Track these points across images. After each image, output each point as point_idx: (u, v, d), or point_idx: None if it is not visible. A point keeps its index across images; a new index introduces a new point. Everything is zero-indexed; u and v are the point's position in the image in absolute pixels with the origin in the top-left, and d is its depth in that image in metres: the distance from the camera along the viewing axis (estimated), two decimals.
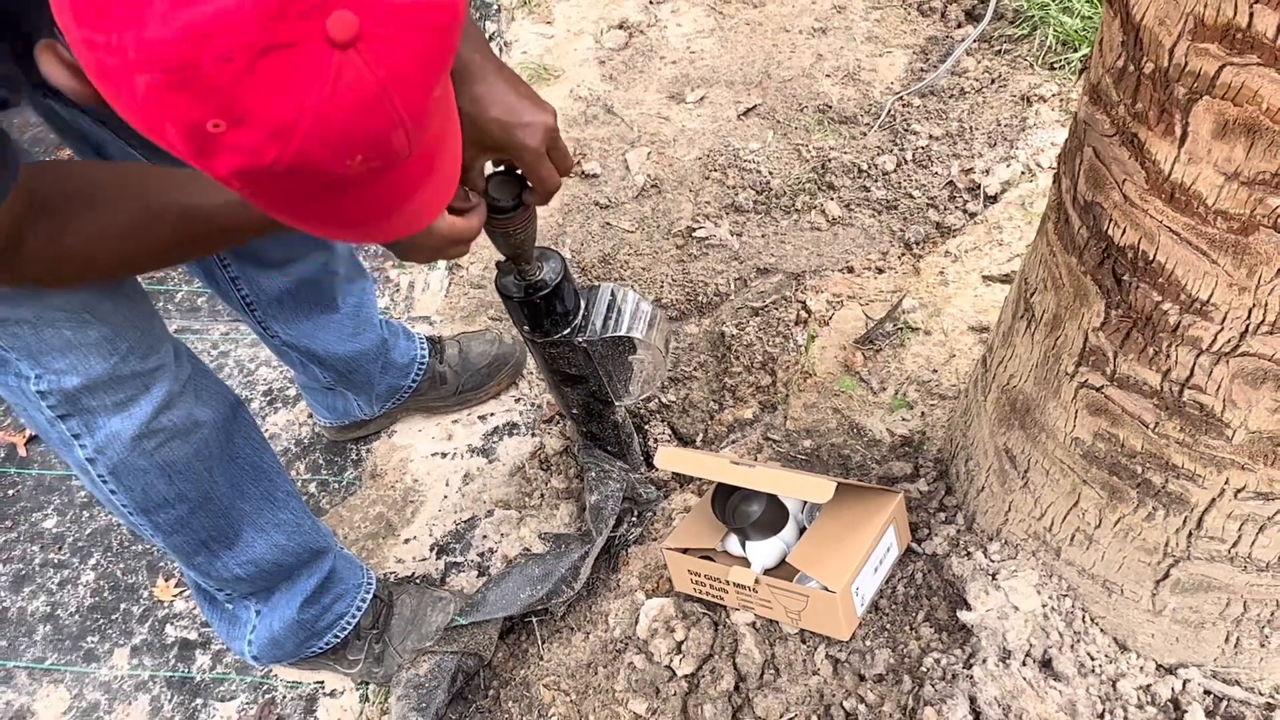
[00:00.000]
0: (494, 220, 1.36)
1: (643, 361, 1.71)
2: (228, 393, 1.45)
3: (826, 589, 1.37)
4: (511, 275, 1.51)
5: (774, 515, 1.49)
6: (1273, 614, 1.26)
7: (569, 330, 1.57)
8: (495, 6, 3.05)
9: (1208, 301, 0.99)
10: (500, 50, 2.92)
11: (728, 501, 1.53)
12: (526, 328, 1.57)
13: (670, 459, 1.50)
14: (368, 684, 1.77)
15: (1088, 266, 1.11)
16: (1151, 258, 1.01)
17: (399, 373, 2.01)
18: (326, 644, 1.69)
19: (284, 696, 1.80)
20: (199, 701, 1.82)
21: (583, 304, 1.59)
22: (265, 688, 1.82)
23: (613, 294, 1.63)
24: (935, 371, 1.79)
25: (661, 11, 2.90)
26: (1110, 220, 1.04)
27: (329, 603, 1.66)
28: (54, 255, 0.96)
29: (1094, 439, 1.21)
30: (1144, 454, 1.16)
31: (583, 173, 2.51)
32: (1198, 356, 1.03)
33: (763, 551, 1.49)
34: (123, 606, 1.97)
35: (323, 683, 1.80)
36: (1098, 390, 1.16)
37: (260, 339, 1.83)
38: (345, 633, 1.70)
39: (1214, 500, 1.15)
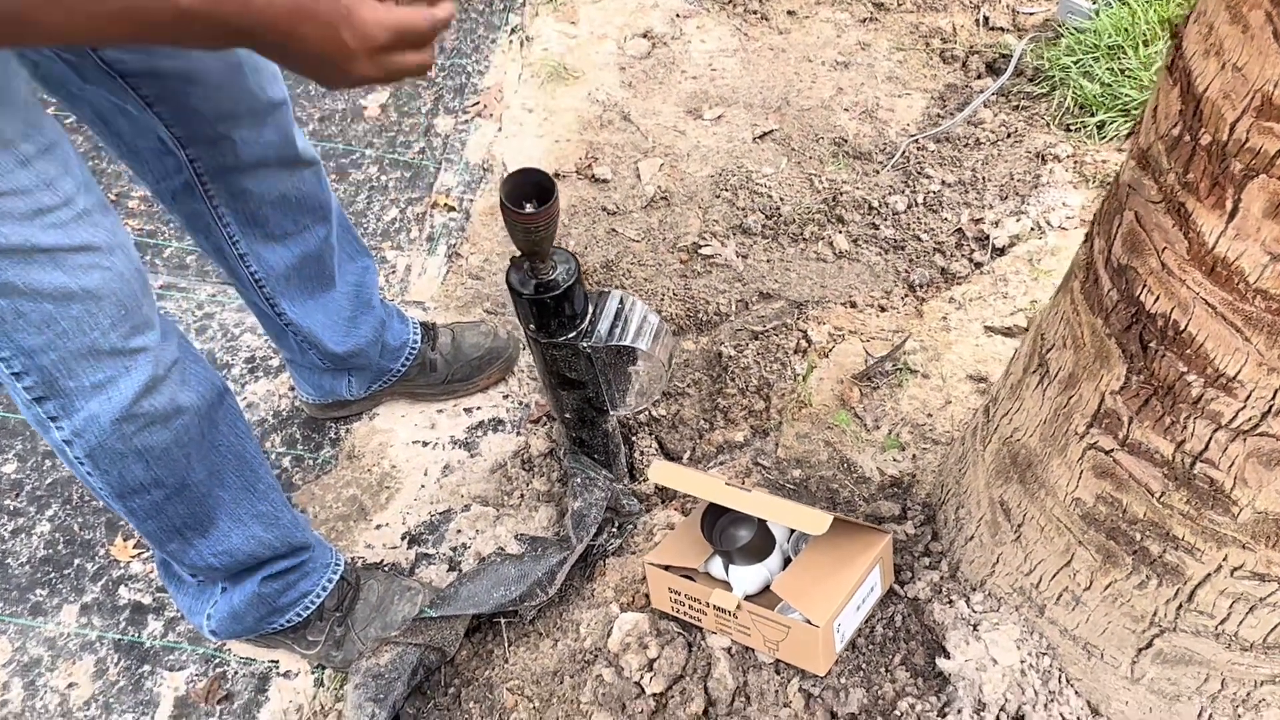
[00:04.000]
0: (517, 215, 1.34)
1: (642, 373, 1.69)
2: (215, 378, 1.40)
3: (809, 622, 1.36)
4: (524, 271, 1.49)
5: (762, 542, 1.48)
6: (1249, 694, 1.27)
7: (575, 334, 1.55)
8: (521, 0, 3.03)
9: (1234, 378, 0.99)
10: (521, 45, 2.90)
11: (716, 523, 1.51)
12: (532, 326, 1.55)
13: (664, 474, 1.48)
14: (324, 668, 1.73)
15: (1113, 329, 1.10)
16: (1183, 328, 1.01)
17: (390, 355, 1.98)
18: (287, 621, 1.65)
19: (235, 672, 1.75)
20: (146, 668, 1.77)
21: (590, 309, 1.57)
22: (217, 661, 1.77)
23: (621, 302, 1.61)
24: (930, 416, 1.79)
25: (687, 26, 2.90)
26: (1144, 286, 1.04)
27: (294, 579, 1.62)
28: None
29: (1096, 501, 1.21)
30: (1145, 522, 1.16)
31: (593, 176, 2.49)
32: (1215, 431, 1.04)
33: (746, 577, 1.47)
34: (76, 562, 1.92)
35: (277, 662, 1.75)
36: (1107, 453, 1.16)
37: (263, 320, 1.79)
38: (308, 612, 1.65)
39: (1209, 575, 1.15)
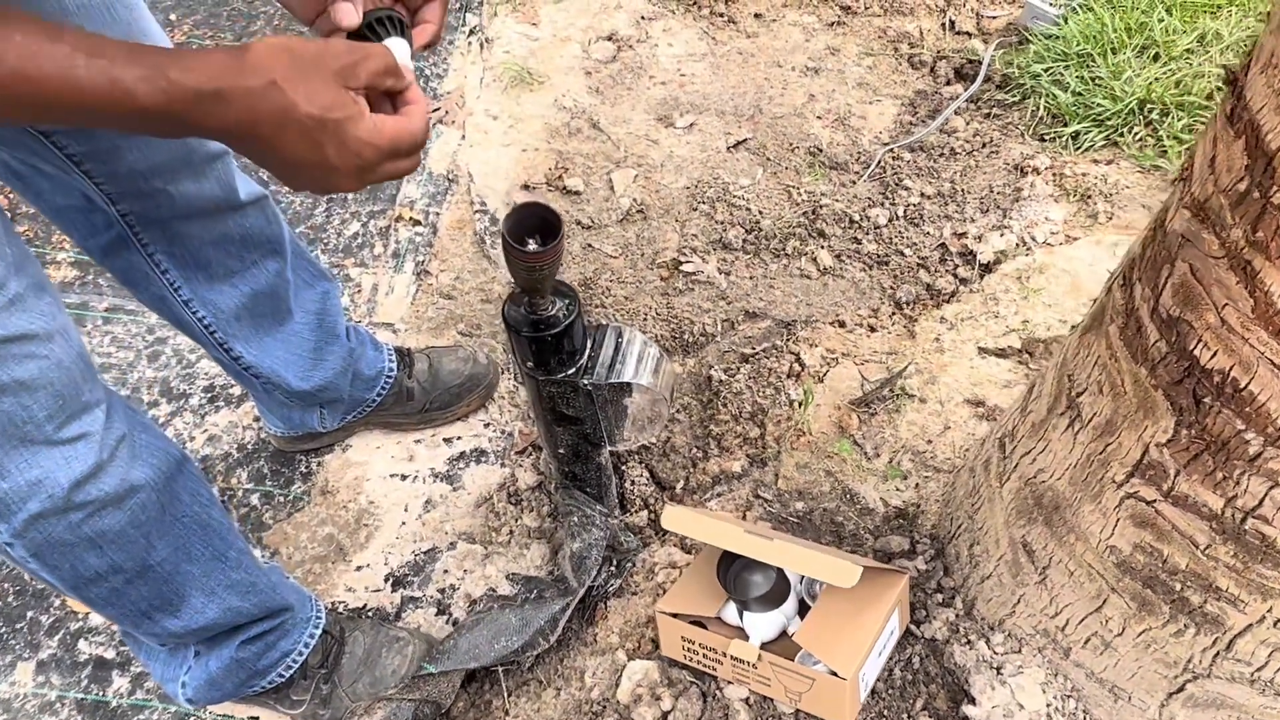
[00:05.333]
0: (519, 254, 1.26)
1: (640, 405, 1.63)
2: (171, 448, 1.28)
3: (836, 674, 1.32)
4: (522, 307, 1.42)
5: (780, 588, 1.43)
6: None
7: (574, 371, 1.48)
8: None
9: None
10: (481, 46, 2.79)
11: (730, 568, 1.46)
12: (530, 364, 1.47)
13: (678, 521, 1.42)
14: None
15: (1161, 381, 1.07)
16: (1243, 386, 0.98)
17: (364, 385, 1.88)
18: (269, 683, 1.55)
19: None
20: None
21: (589, 343, 1.51)
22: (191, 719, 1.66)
23: (619, 335, 1.55)
24: (930, 442, 1.76)
25: (653, 29, 2.82)
26: (1200, 341, 1.01)
27: (274, 639, 1.52)
28: None
29: (1133, 550, 1.18)
30: (1187, 573, 1.14)
31: (564, 188, 2.41)
32: (1271, 489, 1.01)
33: (762, 624, 1.42)
34: (29, 615, 1.78)
35: (258, 718, 1.66)
36: (1149, 504, 1.14)
37: (221, 365, 1.67)
38: (290, 672, 1.56)
39: (1251, 626, 1.13)
